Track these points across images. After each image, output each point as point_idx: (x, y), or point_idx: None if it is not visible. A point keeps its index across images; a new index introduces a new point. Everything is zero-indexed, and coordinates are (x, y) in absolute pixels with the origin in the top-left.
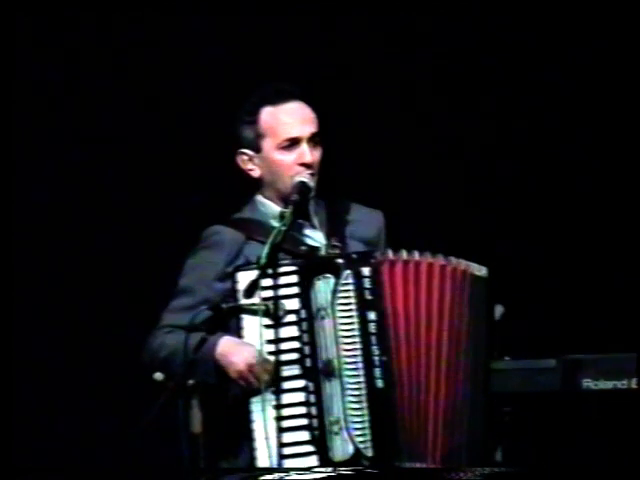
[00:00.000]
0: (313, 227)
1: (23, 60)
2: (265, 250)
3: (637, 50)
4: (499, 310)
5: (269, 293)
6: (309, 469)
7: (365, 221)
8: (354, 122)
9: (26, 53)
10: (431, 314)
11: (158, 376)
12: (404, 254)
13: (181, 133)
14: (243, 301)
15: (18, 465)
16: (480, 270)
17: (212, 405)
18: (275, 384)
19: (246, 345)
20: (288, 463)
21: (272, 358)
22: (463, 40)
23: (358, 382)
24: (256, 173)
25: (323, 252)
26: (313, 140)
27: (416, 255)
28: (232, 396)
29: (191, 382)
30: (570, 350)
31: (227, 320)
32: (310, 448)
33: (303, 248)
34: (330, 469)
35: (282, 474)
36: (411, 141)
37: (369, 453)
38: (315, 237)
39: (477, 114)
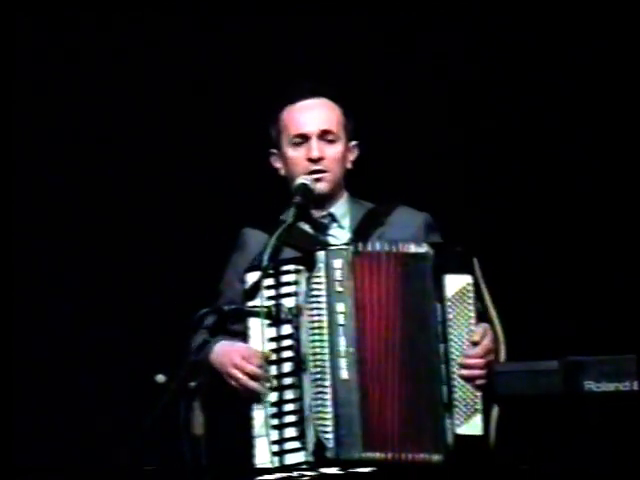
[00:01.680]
0: (341, 228)
1: (23, 60)
2: (267, 252)
3: (637, 50)
4: (461, 281)
5: (271, 293)
6: (311, 468)
7: (401, 223)
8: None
9: (26, 53)
10: (389, 303)
11: (160, 378)
12: (369, 246)
13: (181, 134)
14: (248, 303)
15: (18, 465)
16: (421, 247)
17: (214, 407)
18: (271, 383)
19: (236, 346)
20: (282, 460)
21: (261, 355)
22: (463, 40)
23: (324, 373)
24: (282, 171)
25: None
26: (326, 137)
27: (377, 246)
28: (233, 397)
29: (193, 384)
30: (570, 351)
31: (230, 322)
32: (297, 444)
33: (317, 248)
34: (336, 469)
35: (283, 474)
36: (410, 141)
37: (330, 444)
38: (341, 237)
39: (477, 114)
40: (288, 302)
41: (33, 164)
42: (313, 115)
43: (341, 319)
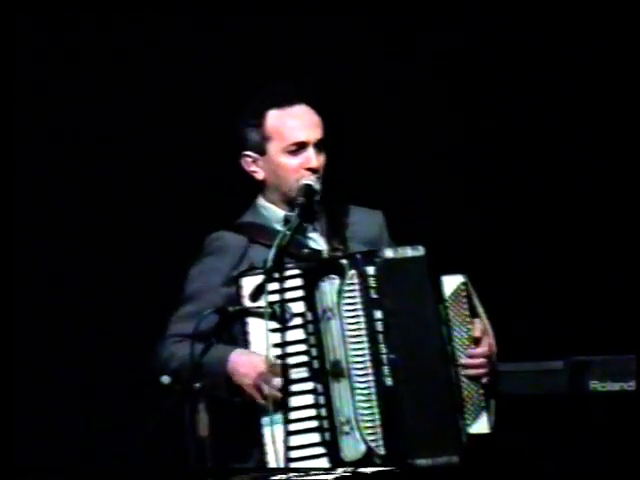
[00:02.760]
0: (315, 230)
1: (23, 60)
2: (271, 254)
3: (637, 50)
4: (455, 280)
5: (275, 297)
6: (319, 469)
7: (365, 222)
8: (353, 122)
9: (26, 53)
10: (408, 308)
11: (165, 379)
12: (388, 252)
13: (181, 134)
14: (249, 305)
15: (18, 465)
16: (417, 250)
17: (220, 408)
18: (284, 388)
19: (254, 355)
20: (303, 465)
21: (280, 362)
22: (463, 40)
23: (367, 381)
24: (260, 175)
25: (326, 255)
26: (318, 146)
27: (390, 252)
28: (242, 400)
29: (198, 385)
30: (573, 352)
31: (233, 324)
32: (321, 450)
33: (306, 251)
34: (342, 469)
35: (292, 474)
36: (411, 141)
37: (381, 451)
38: (317, 240)
39: (477, 114)
40: (295, 307)
41: (33, 164)
42: (309, 123)
43: (379, 326)
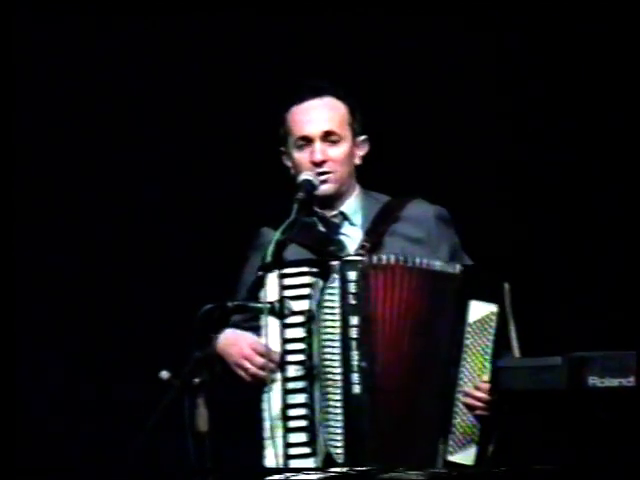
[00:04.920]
0: (353, 225)
1: (23, 60)
2: (270, 249)
3: None
4: (485, 309)
5: (278, 292)
6: (316, 469)
7: (414, 218)
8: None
9: (26, 53)
10: (403, 318)
11: (164, 374)
12: (384, 258)
13: (180, 134)
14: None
15: (21, 467)
16: (450, 267)
17: (220, 404)
18: (281, 381)
19: (243, 336)
20: (292, 464)
21: (272, 348)
22: (464, 41)
23: (335, 387)
24: (292, 171)
25: (350, 253)
26: (329, 138)
27: (392, 258)
28: (242, 394)
29: (197, 380)
30: (572, 347)
31: (232, 318)
32: (307, 450)
33: (332, 248)
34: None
35: (289, 474)
36: (411, 141)
37: (340, 459)
38: (353, 236)
39: (478, 114)
40: (300, 304)
41: (33, 164)
42: (315, 117)
43: (354, 333)
